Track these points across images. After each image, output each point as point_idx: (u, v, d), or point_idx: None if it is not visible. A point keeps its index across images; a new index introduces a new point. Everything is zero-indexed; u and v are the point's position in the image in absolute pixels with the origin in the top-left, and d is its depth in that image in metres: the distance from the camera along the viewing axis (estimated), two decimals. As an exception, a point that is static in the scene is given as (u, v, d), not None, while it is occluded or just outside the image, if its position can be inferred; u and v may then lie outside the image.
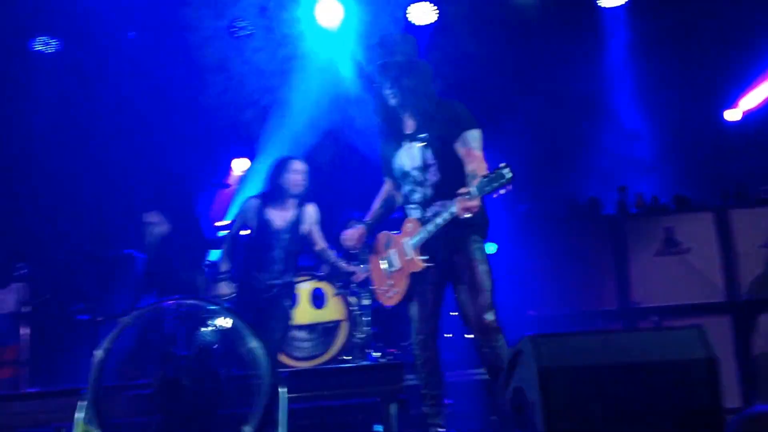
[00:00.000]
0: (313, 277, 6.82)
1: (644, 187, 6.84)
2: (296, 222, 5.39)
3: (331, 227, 7.69)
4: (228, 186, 8.44)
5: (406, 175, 4.23)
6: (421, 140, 4.14)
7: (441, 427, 4.06)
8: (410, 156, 4.20)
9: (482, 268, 4.07)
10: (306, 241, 5.50)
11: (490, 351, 4.03)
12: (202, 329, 3.23)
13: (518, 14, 8.62)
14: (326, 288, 6.80)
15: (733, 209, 6.35)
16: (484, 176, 3.67)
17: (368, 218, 4.51)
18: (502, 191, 3.64)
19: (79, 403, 3.15)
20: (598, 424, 3.11)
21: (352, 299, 6.79)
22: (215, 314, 3.27)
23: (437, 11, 8.62)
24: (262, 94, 8.92)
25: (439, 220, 3.98)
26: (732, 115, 8.40)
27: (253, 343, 3.23)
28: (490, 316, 4.04)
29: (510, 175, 3.60)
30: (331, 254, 5.64)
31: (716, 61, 7.96)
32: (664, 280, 6.23)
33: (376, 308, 7.17)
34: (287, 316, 5.29)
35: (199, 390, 3.15)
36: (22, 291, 6.40)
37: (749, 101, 8.33)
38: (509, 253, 6.78)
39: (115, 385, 3.19)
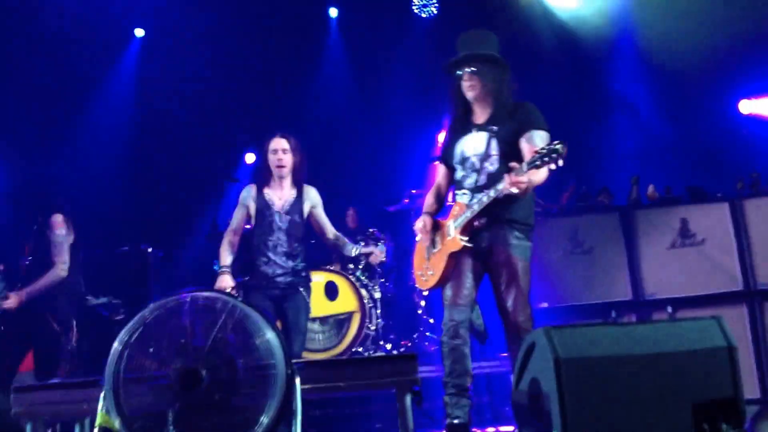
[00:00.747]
0: (326, 270, 6.88)
1: (657, 178, 6.79)
2: (297, 203, 5.13)
3: (334, 219, 7.77)
4: (238, 180, 8.45)
5: (465, 160, 4.28)
6: (490, 131, 4.19)
7: (460, 418, 4.07)
8: (474, 143, 4.26)
9: (520, 265, 4.11)
10: (311, 228, 5.25)
11: (517, 349, 4.02)
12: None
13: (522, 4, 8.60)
14: (339, 280, 6.83)
15: (748, 199, 6.30)
16: (536, 152, 3.75)
17: (428, 210, 4.50)
18: (552, 166, 3.71)
19: (100, 393, 3.19)
20: (614, 415, 3.12)
21: (364, 291, 6.82)
22: (231, 307, 3.27)
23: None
24: (275, 85, 8.97)
25: (484, 198, 4.03)
26: (746, 107, 8.34)
27: (269, 334, 3.24)
28: (522, 316, 4.08)
29: (563, 148, 3.66)
30: (345, 240, 5.34)
31: (732, 50, 7.89)
32: (678, 272, 6.19)
33: (388, 301, 7.22)
34: (307, 308, 5.11)
35: (216, 380, 3.17)
36: None
37: (760, 106, 8.27)
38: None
39: (133, 377, 3.20)
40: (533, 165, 3.72)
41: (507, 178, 3.83)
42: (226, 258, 5.06)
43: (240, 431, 3.15)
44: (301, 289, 5.07)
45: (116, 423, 3.16)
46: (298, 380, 3.31)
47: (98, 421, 3.21)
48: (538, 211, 6.66)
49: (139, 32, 9.12)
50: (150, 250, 6.54)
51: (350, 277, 6.89)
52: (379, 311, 6.95)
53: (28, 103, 8.49)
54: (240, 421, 3.17)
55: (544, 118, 4.20)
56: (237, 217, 5.21)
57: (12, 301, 5.52)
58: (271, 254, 5.01)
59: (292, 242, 5.06)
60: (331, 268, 7.09)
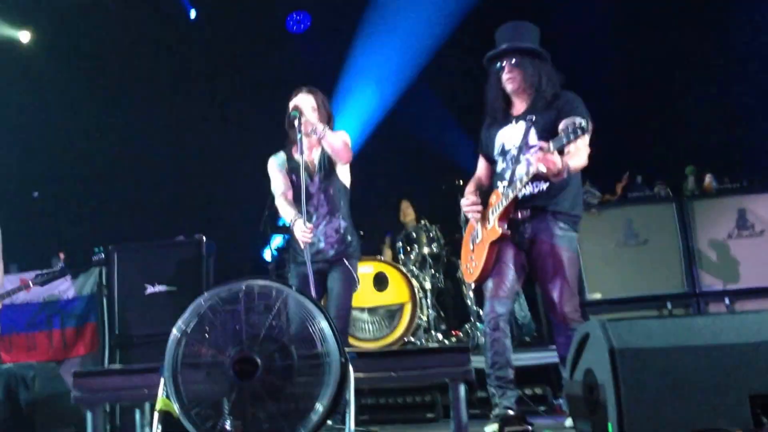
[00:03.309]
0: (375, 260, 6.91)
1: (715, 167, 6.69)
2: (323, 156, 4.77)
3: (386, 212, 7.80)
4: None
5: (505, 152, 4.26)
6: (528, 120, 4.15)
7: (508, 408, 4.07)
8: (514, 134, 4.23)
9: (565, 256, 4.07)
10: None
11: (564, 341, 4.03)
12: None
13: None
14: (389, 271, 6.85)
15: (811, 189, 6.19)
16: (561, 130, 3.72)
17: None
18: (579, 141, 3.69)
19: (159, 379, 3.25)
20: (670, 406, 3.09)
21: (415, 282, 6.84)
22: (285, 296, 3.30)
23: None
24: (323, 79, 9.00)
25: (518, 183, 3.99)
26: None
27: (323, 323, 3.26)
28: (569, 307, 4.06)
29: (588, 125, 3.60)
30: None
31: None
32: (736, 263, 6.11)
33: (439, 291, 7.23)
34: (351, 277, 4.71)
35: (271, 368, 3.20)
36: (101, 273, 6.66)
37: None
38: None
39: (191, 363, 3.25)
40: (560, 143, 3.67)
41: (535, 156, 3.78)
42: (291, 211, 4.70)
43: (295, 418, 3.16)
44: (347, 261, 4.71)
45: (176, 408, 3.22)
46: (351, 369, 3.32)
47: (159, 405, 3.26)
48: (593, 203, 6.64)
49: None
50: (204, 239, 6.64)
51: (400, 267, 6.91)
52: (429, 301, 6.96)
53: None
54: (295, 408, 3.19)
55: (585, 107, 4.14)
56: (280, 180, 4.87)
57: None
58: (313, 217, 4.67)
59: (331, 198, 4.75)
60: (381, 258, 7.12)
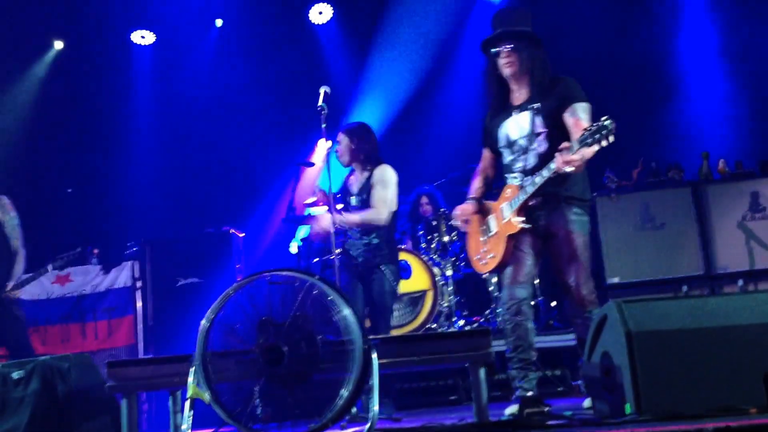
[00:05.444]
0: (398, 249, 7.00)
1: (728, 153, 6.73)
2: (366, 184, 5.32)
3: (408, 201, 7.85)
4: (312, 164, 8.60)
5: (512, 143, 4.27)
6: (532, 109, 4.17)
7: (527, 390, 4.14)
8: (518, 124, 4.24)
9: (580, 241, 4.12)
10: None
11: (582, 322, 4.10)
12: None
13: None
14: (411, 259, 6.94)
15: (821, 172, 6.23)
16: (586, 129, 3.69)
17: (474, 194, 4.52)
18: (604, 143, 3.62)
19: (190, 368, 3.36)
20: (686, 387, 3.14)
21: (436, 270, 6.93)
22: (309, 285, 3.39)
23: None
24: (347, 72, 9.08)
25: (537, 179, 4.00)
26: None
27: (346, 311, 3.34)
28: (586, 289, 4.11)
29: (612, 125, 3.58)
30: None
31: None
32: (749, 245, 6.18)
33: (460, 278, 7.31)
34: (392, 288, 5.25)
35: (297, 356, 3.29)
36: (134, 267, 6.83)
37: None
38: (591, 220, 6.79)
39: (220, 352, 3.37)
40: (584, 143, 3.65)
41: (559, 158, 3.79)
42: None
43: (321, 404, 3.24)
44: (383, 268, 5.22)
45: (206, 395, 3.34)
46: (375, 355, 3.40)
47: (189, 393, 3.38)
48: (611, 187, 6.70)
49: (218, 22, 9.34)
50: (232, 231, 6.78)
51: (422, 256, 7.00)
52: (451, 288, 7.05)
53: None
54: (321, 394, 3.26)
55: (581, 89, 4.15)
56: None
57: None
58: (349, 233, 5.28)
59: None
60: (403, 247, 7.21)
